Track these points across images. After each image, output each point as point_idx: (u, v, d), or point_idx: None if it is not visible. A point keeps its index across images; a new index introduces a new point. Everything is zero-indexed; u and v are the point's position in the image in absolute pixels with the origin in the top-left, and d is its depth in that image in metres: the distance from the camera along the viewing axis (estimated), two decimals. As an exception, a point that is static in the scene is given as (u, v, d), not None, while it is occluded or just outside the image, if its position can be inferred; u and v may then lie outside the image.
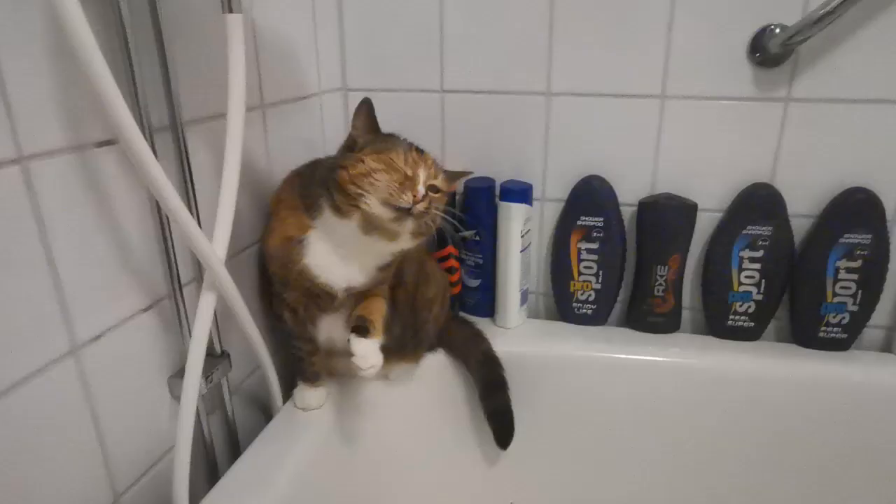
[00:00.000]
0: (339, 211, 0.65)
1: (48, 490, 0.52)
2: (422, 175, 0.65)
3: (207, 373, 0.66)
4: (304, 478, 0.68)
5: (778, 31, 0.80)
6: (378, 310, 0.72)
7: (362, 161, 0.64)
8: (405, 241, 0.68)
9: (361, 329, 0.68)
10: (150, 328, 0.62)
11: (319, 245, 0.68)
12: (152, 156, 0.50)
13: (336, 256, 0.69)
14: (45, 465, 0.51)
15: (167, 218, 0.60)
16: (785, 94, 0.83)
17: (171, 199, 0.53)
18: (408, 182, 0.64)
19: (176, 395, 0.64)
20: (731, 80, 0.84)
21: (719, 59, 0.84)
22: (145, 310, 0.61)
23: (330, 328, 0.76)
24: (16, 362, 0.48)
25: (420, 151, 0.68)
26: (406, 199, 0.63)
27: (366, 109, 0.69)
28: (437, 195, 0.66)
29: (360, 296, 0.73)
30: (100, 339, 0.55)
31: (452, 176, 0.71)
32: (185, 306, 0.64)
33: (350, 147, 0.68)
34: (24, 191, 0.47)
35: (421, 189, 0.64)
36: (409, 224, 0.65)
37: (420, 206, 0.63)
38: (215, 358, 0.70)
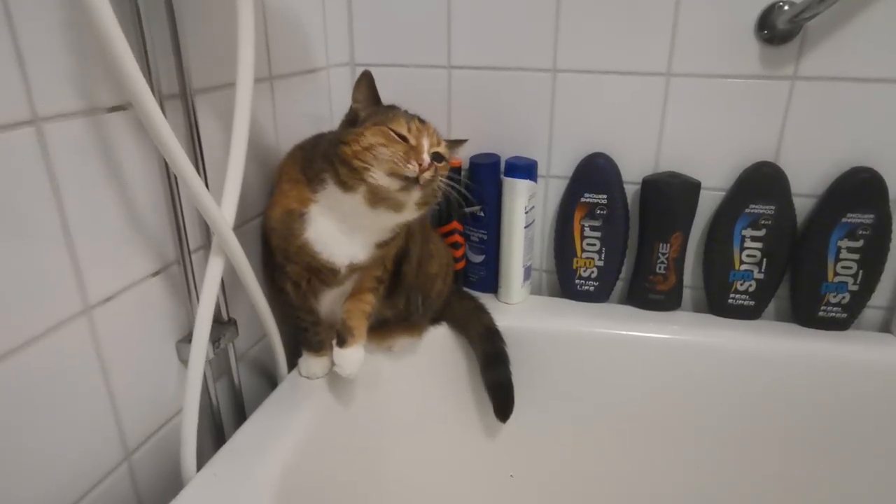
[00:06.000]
0: (343, 185, 0.66)
1: (63, 445, 0.53)
2: (425, 143, 0.66)
3: (215, 338, 0.68)
4: (306, 444, 0.69)
5: (786, 7, 0.79)
6: (361, 312, 0.75)
7: (364, 135, 0.64)
8: (410, 212, 0.68)
9: (340, 339, 0.72)
10: (160, 292, 0.63)
11: (321, 220, 0.69)
12: (163, 118, 0.51)
13: (337, 232, 0.69)
14: (60, 420, 0.53)
15: (177, 184, 0.61)
16: (792, 72, 0.83)
17: (181, 162, 0.54)
18: (412, 151, 0.64)
19: (184, 360, 0.66)
20: (738, 57, 0.84)
21: (726, 35, 0.83)
22: (155, 274, 0.62)
23: (333, 302, 0.77)
24: (30, 319, 0.49)
25: (422, 121, 0.68)
26: (412, 169, 0.63)
27: (366, 82, 0.69)
28: (441, 164, 0.67)
29: (363, 271, 0.74)
30: (111, 300, 0.57)
31: (451, 145, 0.71)
32: (193, 272, 0.65)
33: (352, 121, 0.68)
34: (39, 152, 0.48)
35: (426, 157, 0.64)
36: (416, 194, 0.65)
37: (427, 175, 0.64)
38: (223, 324, 0.71)
